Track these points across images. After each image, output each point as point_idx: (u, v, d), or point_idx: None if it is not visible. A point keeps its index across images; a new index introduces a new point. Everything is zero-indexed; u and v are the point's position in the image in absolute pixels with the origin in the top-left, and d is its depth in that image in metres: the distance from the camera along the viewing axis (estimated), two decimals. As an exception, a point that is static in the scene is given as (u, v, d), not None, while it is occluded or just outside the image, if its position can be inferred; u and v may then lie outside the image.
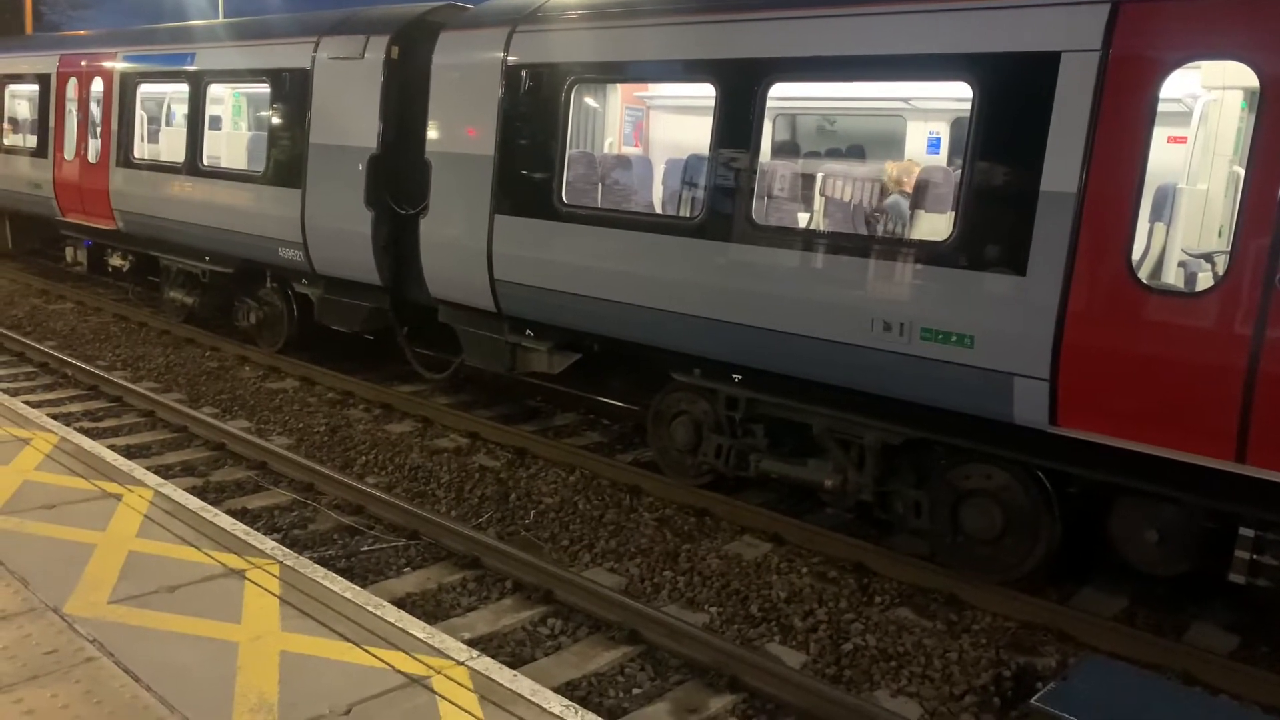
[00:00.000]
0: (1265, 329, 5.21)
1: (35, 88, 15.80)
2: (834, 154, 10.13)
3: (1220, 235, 6.82)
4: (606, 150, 10.36)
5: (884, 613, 6.46)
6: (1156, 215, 6.60)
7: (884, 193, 8.10)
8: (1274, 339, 5.19)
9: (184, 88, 12.75)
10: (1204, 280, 6.28)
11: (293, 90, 10.96)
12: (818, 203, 8.82)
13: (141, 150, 13.88)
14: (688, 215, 8.20)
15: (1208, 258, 6.50)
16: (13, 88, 16.82)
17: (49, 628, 4.48)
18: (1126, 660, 5.78)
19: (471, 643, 5.31)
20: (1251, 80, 5.43)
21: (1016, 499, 6.58)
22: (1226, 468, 5.42)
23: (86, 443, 7.24)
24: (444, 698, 4.16)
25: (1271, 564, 5.58)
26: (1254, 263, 5.27)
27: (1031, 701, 4.86)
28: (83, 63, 14.65)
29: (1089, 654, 5.90)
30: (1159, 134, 5.70)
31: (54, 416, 8.85)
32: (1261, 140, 5.28)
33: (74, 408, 10.11)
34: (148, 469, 7.12)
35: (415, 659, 4.45)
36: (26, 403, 8.94)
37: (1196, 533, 5.93)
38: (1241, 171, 5.64)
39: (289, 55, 11.08)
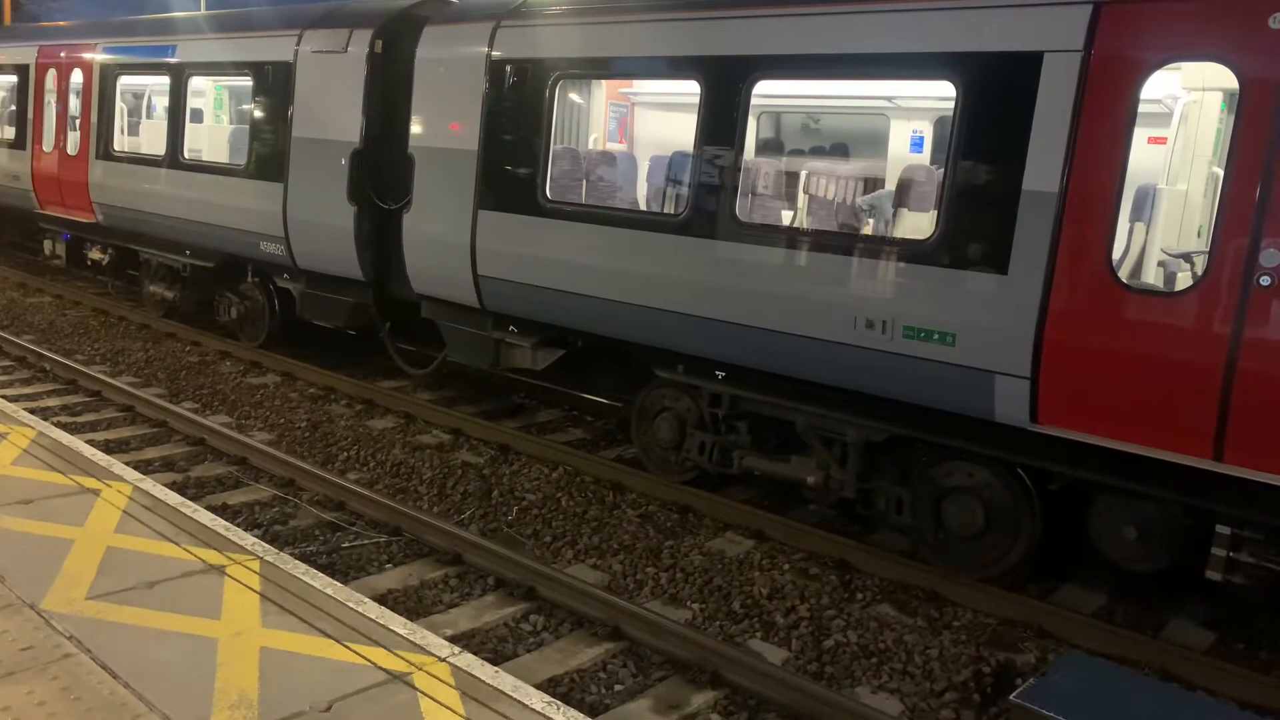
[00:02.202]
0: (1243, 329, 5.26)
1: (14, 79, 15.62)
2: (818, 152, 10.15)
3: (1199, 235, 6.88)
4: (591, 146, 10.34)
5: (865, 609, 6.48)
6: (1137, 215, 6.65)
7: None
8: (1251, 338, 5.25)
9: (165, 80, 12.63)
10: (1183, 280, 6.33)
11: (275, 84, 10.89)
12: (802, 200, 8.83)
13: (121, 143, 13.75)
14: (672, 212, 8.20)
15: (1187, 257, 6.56)
16: (-9, 78, 16.63)
17: (25, 624, 4.44)
18: (1105, 656, 5.84)
19: (453, 639, 5.30)
20: (1231, 82, 5.47)
21: (997, 496, 6.62)
22: (1204, 466, 5.47)
23: (64, 437, 7.18)
24: (425, 694, 4.15)
25: (1247, 561, 5.63)
26: (1232, 263, 5.31)
27: (1011, 698, 4.90)
28: (62, 54, 14.49)
29: (1068, 650, 5.95)
30: (1139, 134, 5.74)
31: (31, 411, 8.77)
32: (1240, 141, 5.32)
33: (52, 402, 10.02)
34: (127, 464, 7.07)
35: (397, 655, 4.43)
36: (3, 397, 8.85)
37: (1174, 530, 5.99)
38: (1220, 172, 5.69)
39: (272, 48, 11.00)
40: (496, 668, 4.50)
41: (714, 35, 7.37)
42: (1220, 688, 5.63)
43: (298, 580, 5.12)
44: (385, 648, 4.50)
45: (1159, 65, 5.56)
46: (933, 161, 8.77)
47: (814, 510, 7.92)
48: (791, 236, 7.28)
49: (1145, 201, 6.65)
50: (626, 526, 7.62)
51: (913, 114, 9.43)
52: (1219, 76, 5.86)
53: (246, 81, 11.54)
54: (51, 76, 14.66)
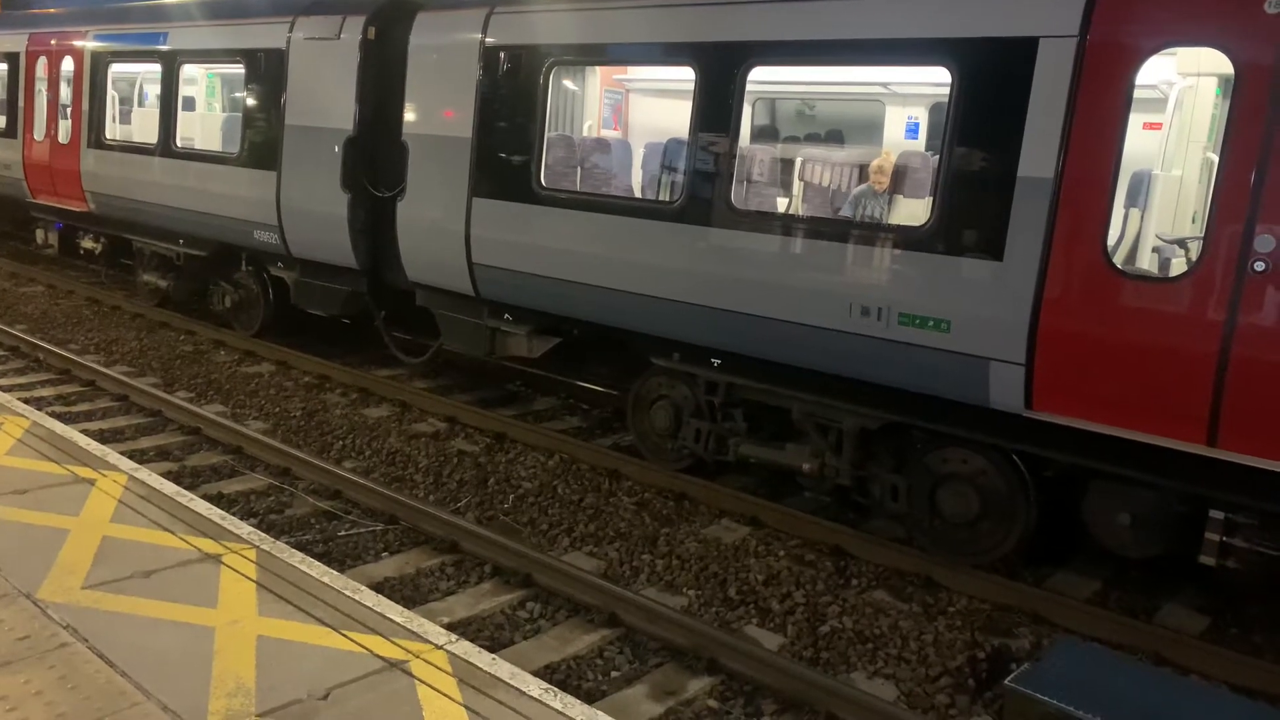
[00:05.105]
0: (1237, 314, 5.27)
1: (4, 67, 15.52)
2: (813, 138, 10.14)
3: (1194, 221, 6.88)
4: (586, 133, 10.31)
5: (861, 595, 6.50)
6: (1132, 201, 6.65)
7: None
8: (1245, 324, 5.26)
9: (157, 68, 12.56)
10: (1178, 266, 6.34)
11: (268, 71, 10.83)
12: (797, 187, 8.82)
13: (113, 131, 13.66)
14: (667, 199, 8.18)
15: (1181, 243, 6.56)
16: (-19, 67, 16.51)
17: (21, 613, 4.44)
18: (1100, 642, 5.86)
19: (450, 627, 5.31)
20: (1226, 67, 5.47)
21: (992, 483, 6.63)
22: (1199, 451, 5.48)
23: (59, 427, 7.16)
24: (423, 681, 4.16)
25: (1241, 546, 5.66)
26: (1227, 249, 5.32)
27: (1006, 683, 4.91)
28: (53, 41, 14.40)
29: (1063, 636, 5.98)
30: (1135, 120, 5.74)
31: (25, 401, 8.74)
32: (1235, 127, 5.32)
33: (46, 392, 9.99)
34: (122, 454, 7.06)
35: (394, 643, 4.44)
36: (-3, 387, 8.83)
37: (1168, 516, 6.01)
38: (1215, 158, 5.69)
39: (264, 35, 10.94)
40: (493, 655, 4.51)
41: (709, 21, 7.34)
42: (1214, 672, 5.66)
43: (294, 569, 5.12)
44: (382, 635, 4.50)
45: (1154, 50, 5.55)
46: (928, 148, 8.75)
47: (809, 497, 7.93)
48: (787, 223, 7.27)
49: (1140, 187, 6.65)
50: (623, 514, 7.63)
51: (908, 100, 9.41)
52: (1215, 62, 5.85)
53: (239, 69, 11.48)
54: (42, 64, 14.56)
